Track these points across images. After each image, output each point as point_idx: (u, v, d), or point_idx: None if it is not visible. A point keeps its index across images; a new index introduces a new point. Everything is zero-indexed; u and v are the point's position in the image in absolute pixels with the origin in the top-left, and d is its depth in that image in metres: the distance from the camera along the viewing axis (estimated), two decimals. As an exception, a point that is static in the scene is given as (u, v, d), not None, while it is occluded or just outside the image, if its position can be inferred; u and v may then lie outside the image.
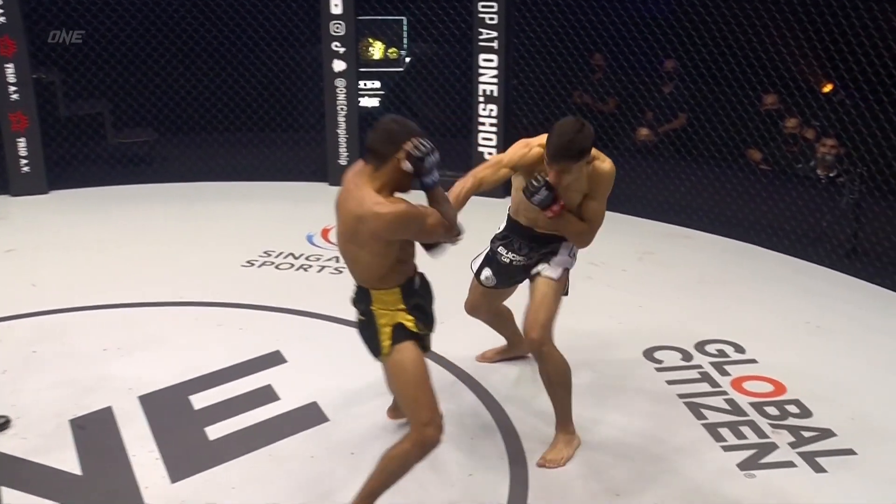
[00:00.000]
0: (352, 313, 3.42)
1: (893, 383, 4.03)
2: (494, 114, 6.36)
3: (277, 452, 3.52)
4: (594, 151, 3.34)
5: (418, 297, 3.00)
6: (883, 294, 4.95)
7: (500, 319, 4.04)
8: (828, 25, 5.08)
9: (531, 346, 3.50)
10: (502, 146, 6.42)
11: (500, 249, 3.69)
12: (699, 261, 5.45)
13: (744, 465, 3.45)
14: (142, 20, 6.90)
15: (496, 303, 3.92)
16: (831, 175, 5.51)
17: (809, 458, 3.48)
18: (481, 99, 6.36)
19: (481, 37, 6.22)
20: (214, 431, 3.64)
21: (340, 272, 5.34)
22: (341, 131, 6.78)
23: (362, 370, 4.15)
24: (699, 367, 4.20)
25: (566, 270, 3.57)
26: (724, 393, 3.97)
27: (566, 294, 3.63)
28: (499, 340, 4.18)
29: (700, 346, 4.38)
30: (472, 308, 3.92)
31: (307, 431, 3.66)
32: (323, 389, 3.96)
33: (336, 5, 6.52)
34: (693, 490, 3.30)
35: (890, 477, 3.37)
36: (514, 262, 3.66)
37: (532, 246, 3.61)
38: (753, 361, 4.23)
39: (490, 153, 6.47)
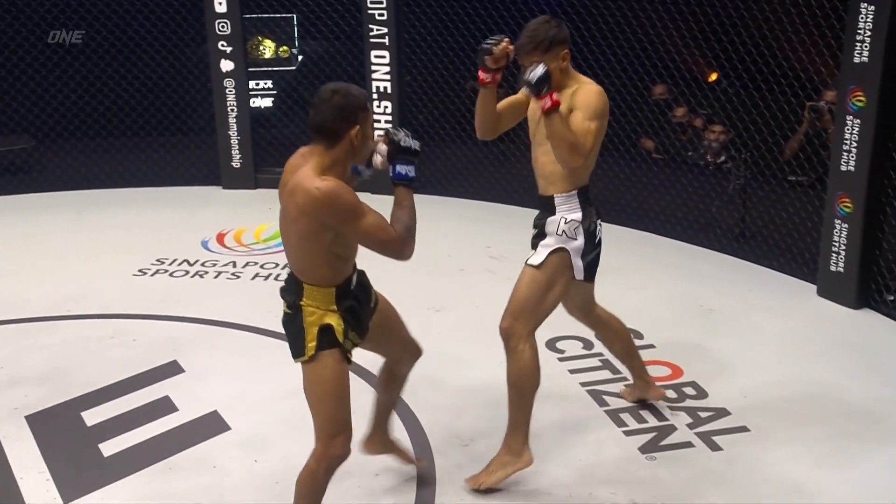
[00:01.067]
0: (261, 315, 3.41)
1: (782, 360, 4.22)
2: (389, 111, 6.35)
3: (177, 464, 3.43)
4: (582, 78, 3.17)
5: (353, 299, 2.75)
6: (770, 275, 5.17)
7: (600, 326, 3.69)
8: (707, 16, 5.27)
9: (500, 334, 3.25)
10: (398, 143, 6.41)
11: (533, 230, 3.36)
12: (602, 249, 5.57)
13: (645, 449, 3.54)
14: (10, 21, 6.61)
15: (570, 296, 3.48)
16: (719, 161, 5.72)
17: (706, 438, 3.61)
18: (375, 96, 6.35)
19: (372, 33, 6.20)
20: (109, 447, 3.52)
21: (237, 277, 5.25)
22: (233, 133, 6.65)
23: (263, 376, 4.10)
24: (600, 354, 4.30)
25: (554, 252, 3.21)
26: (625, 379, 4.06)
27: (589, 280, 3.34)
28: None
29: (600, 334, 4.49)
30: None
31: (208, 441, 3.58)
32: (223, 398, 3.88)
33: (220, 3, 6.39)
34: (595, 476, 3.38)
35: (780, 451, 3.52)
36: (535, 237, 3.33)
37: (539, 216, 3.28)
38: (651, 346, 4.36)
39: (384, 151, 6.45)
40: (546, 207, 3.25)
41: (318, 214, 2.55)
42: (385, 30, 6.17)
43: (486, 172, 6.53)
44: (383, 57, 6.26)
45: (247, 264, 5.43)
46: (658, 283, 5.10)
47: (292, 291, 2.74)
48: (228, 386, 4.00)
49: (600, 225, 3.30)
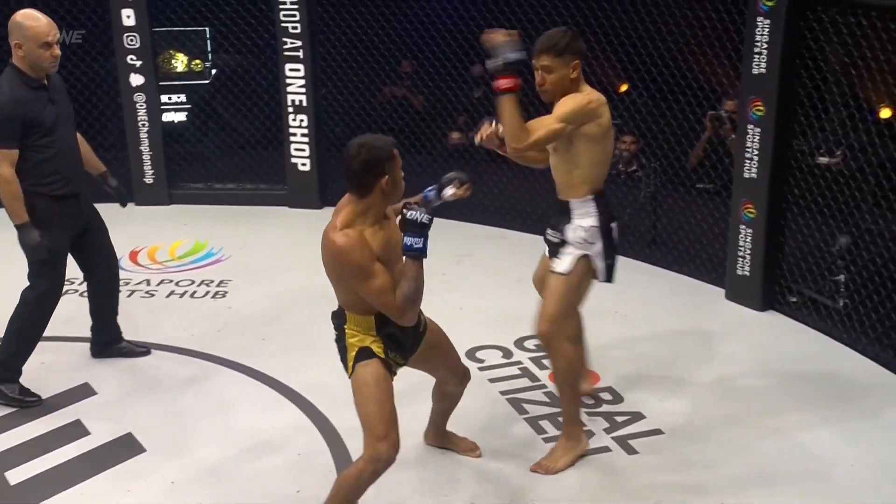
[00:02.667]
0: (176, 333, 3.38)
1: (693, 363, 4.35)
2: (305, 124, 6.34)
3: (90, 490, 3.36)
4: (588, 88, 3.30)
5: (394, 326, 2.94)
6: (681, 280, 5.33)
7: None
8: (616, 29, 5.42)
9: (539, 339, 3.52)
10: (315, 157, 6.42)
11: (548, 230, 3.58)
12: (516, 260, 5.63)
13: (564, 454, 3.62)
14: None
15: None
16: (630, 170, 5.88)
17: (623, 442, 3.71)
18: (290, 109, 6.32)
19: (286, 46, 6.18)
20: (17, 475, 3.43)
21: (152, 295, 5.16)
22: (145, 149, 6.53)
23: (179, 395, 4.04)
24: (519, 363, 4.37)
25: (580, 259, 3.41)
26: (544, 386, 4.15)
27: (609, 280, 3.52)
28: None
29: (519, 343, 4.55)
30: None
31: (122, 465, 3.51)
32: (138, 419, 3.81)
33: (128, 17, 6.28)
34: (516, 484, 3.43)
35: (689, 452, 3.64)
36: (550, 238, 3.54)
37: (555, 218, 3.49)
38: (570, 354, 4.45)
39: (303, 164, 6.44)
40: (562, 211, 3.46)
41: (334, 264, 2.83)
42: (299, 43, 6.16)
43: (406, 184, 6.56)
44: (298, 70, 6.24)
45: (161, 282, 5.34)
46: (575, 290, 5.21)
47: (338, 315, 3.03)
48: (143, 407, 3.93)
49: (615, 227, 3.48)
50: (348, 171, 2.80)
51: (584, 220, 3.40)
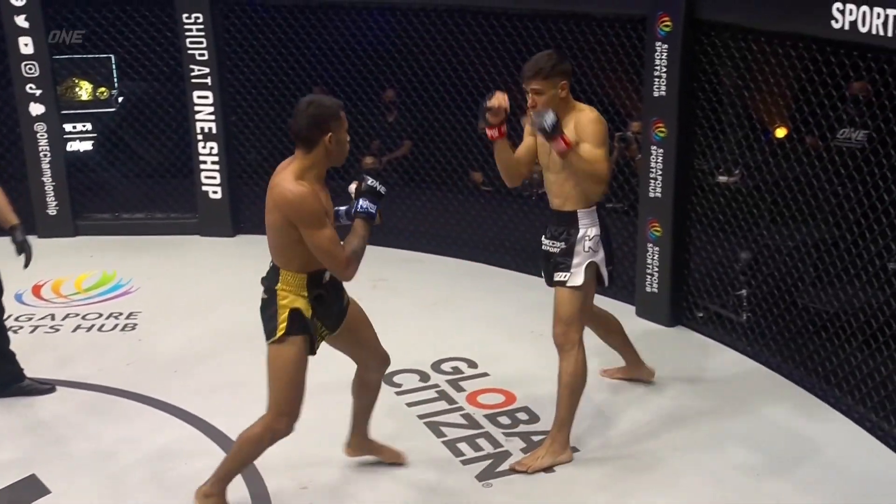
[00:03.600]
0: (83, 369, 3.29)
1: (605, 380, 4.44)
2: (215, 151, 6.27)
3: (-8, 538, 3.24)
4: (579, 104, 3.58)
5: (323, 289, 3.13)
6: (598, 300, 5.42)
7: (602, 327, 4.17)
8: (523, 54, 5.52)
9: (554, 341, 3.71)
10: (227, 185, 6.35)
11: (543, 239, 3.80)
12: (431, 283, 5.70)
13: (482, 476, 3.65)
14: None
15: None
16: (541, 191, 5.98)
17: (540, 460, 3.77)
18: (200, 137, 6.25)
19: (193, 73, 6.12)
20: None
21: (56, 330, 5.02)
22: (47, 179, 6.36)
23: (85, 434, 3.93)
24: (436, 386, 4.40)
25: (587, 268, 3.66)
26: (461, 409, 4.19)
27: (606, 285, 3.80)
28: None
29: (436, 366, 4.59)
30: None
31: (26, 509, 3.40)
32: (41, 459, 3.70)
33: (26, 45, 6.12)
34: (436, 507, 3.46)
35: (607, 468, 3.71)
36: (547, 249, 3.77)
37: (555, 228, 3.73)
38: (486, 375, 4.50)
39: (215, 192, 6.36)
40: (566, 221, 3.69)
41: (286, 212, 2.95)
42: (207, 70, 6.11)
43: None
44: (206, 97, 6.18)
45: (67, 316, 5.19)
46: (490, 312, 5.27)
47: (270, 278, 3.13)
48: (47, 446, 3.81)
49: (610, 238, 3.77)
50: (295, 125, 2.98)
51: (590, 230, 3.67)
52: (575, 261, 3.66)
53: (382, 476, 3.65)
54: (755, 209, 4.59)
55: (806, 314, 4.34)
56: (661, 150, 4.74)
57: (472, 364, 4.60)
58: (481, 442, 3.90)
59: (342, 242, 3.02)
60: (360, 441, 3.66)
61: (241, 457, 3.23)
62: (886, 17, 3.40)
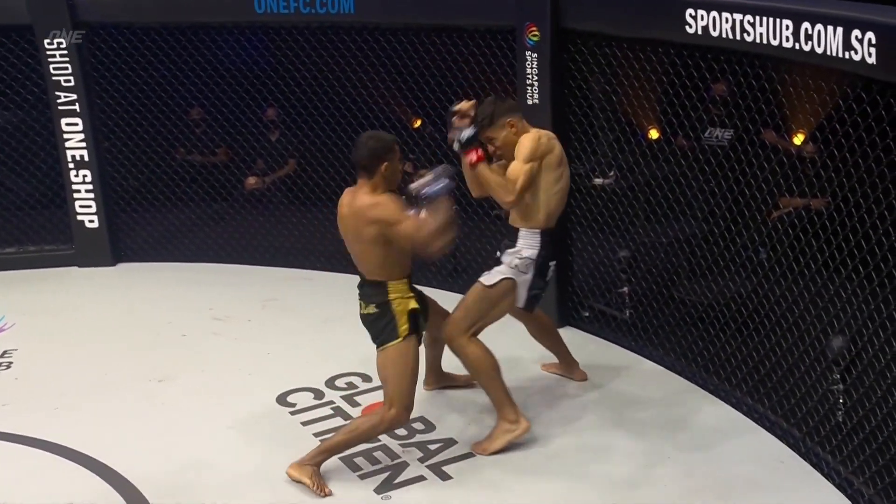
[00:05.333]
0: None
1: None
2: (89, 179, 6.11)
3: None
4: (532, 129, 3.87)
5: (417, 290, 3.74)
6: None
7: (535, 327, 4.34)
8: (407, 66, 5.63)
9: (444, 340, 3.95)
10: (103, 213, 6.19)
11: (499, 249, 4.04)
12: (321, 301, 5.70)
13: (380, 489, 3.71)
14: None
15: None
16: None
17: (437, 469, 3.84)
18: (72, 165, 6.08)
19: (60, 100, 5.95)
20: None
21: (-74, 377, 4.80)
22: None
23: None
24: (331, 402, 4.43)
25: (505, 280, 3.88)
26: (356, 423, 4.22)
27: (528, 309, 4.00)
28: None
29: (330, 383, 4.61)
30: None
31: None
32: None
33: None
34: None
35: (497, 473, 3.81)
36: (498, 256, 4.01)
37: (507, 242, 3.98)
38: (380, 388, 4.53)
39: (91, 221, 6.19)
40: (513, 237, 3.94)
41: (376, 217, 3.49)
42: (74, 96, 5.94)
43: (201, 234, 6.46)
44: (76, 124, 6.01)
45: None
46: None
47: (376, 294, 3.64)
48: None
49: (553, 266, 3.97)
50: (357, 155, 3.56)
51: (525, 251, 3.89)
52: (498, 268, 3.92)
53: (282, 495, 3.65)
54: (631, 208, 4.80)
55: (683, 307, 4.56)
56: (539, 157, 4.88)
57: (367, 378, 4.64)
58: (378, 455, 3.95)
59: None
60: (437, 376, 4.35)
61: (352, 439, 3.71)
62: (733, 21, 3.63)
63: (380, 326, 3.66)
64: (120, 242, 6.30)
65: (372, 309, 3.66)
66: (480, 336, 3.94)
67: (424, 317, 3.77)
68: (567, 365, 4.50)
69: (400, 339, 3.62)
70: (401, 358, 3.63)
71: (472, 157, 3.82)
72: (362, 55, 5.77)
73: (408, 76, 5.70)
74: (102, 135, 6.17)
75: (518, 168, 3.80)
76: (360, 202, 3.54)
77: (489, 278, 3.92)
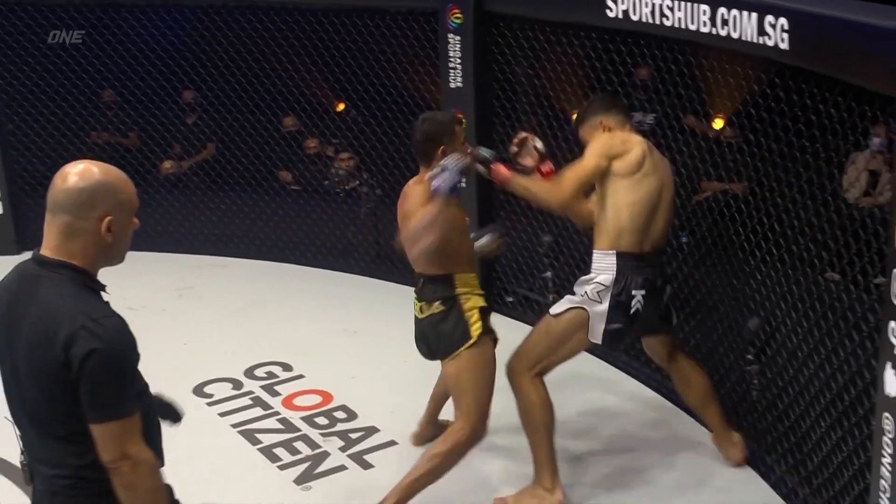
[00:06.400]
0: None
1: (420, 371, 4.53)
2: (-7, 162, 5.90)
3: None
4: (633, 135, 3.39)
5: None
6: (406, 290, 5.50)
7: (684, 384, 3.70)
8: (329, 49, 5.57)
9: (506, 375, 3.41)
10: (8, 199, 5.98)
11: None
12: (239, 288, 5.63)
13: (300, 480, 3.68)
14: None
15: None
16: (349, 187, 6.05)
17: (358, 458, 3.83)
18: (-28, 150, 5.86)
19: (-45, 82, 5.73)
20: None
21: None
22: None
23: None
24: (251, 392, 4.37)
25: (574, 310, 3.32)
26: (277, 413, 4.18)
27: (610, 347, 3.51)
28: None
29: (249, 372, 4.55)
30: None
31: None
32: None
33: None
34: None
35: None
36: None
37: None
38: (301, 377, 4.51)
39: (-6, 207, 5.98)
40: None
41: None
42: (-25, 78, 5.73)
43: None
44: (-25, 106, 5.80)
45: None
46: (304, 312, 5.28)
47: (439, 289, 3.17)
48: None
49: (640, 299, 3.29)
50: (413, 140, 3.24)
51: (600, 275, 3.32)
52: (569, 296, 3.40)
53: (196, 486, 3.58)
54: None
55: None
56: (462, 141, 4.89)
57: (287, 367, 4.60)
58: (299, 445, 3.92)
59: None
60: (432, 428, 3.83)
61: (436, 472, 3.23)
62: (653, 5, 3.68)
63: (447, 329, 3.16)
64: (25, 230, 6.09)
65: (437, 308, 3.16)
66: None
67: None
68: (719, 437, 3.67)
69: (474, 341, 3.14)
70: (477, 363, 3.15)
71: (499, 174, 3.36)
72: (282, 37, 5.69)
73: (329, 58, 5.64)
74: (6, 117, 5.95)
75: (567, 176, 3.32)
76: (411, 191, 3.19)
77: (557, 307, 3.40)
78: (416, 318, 3.29)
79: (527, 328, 4.88)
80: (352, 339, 4.95)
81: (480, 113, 4.83)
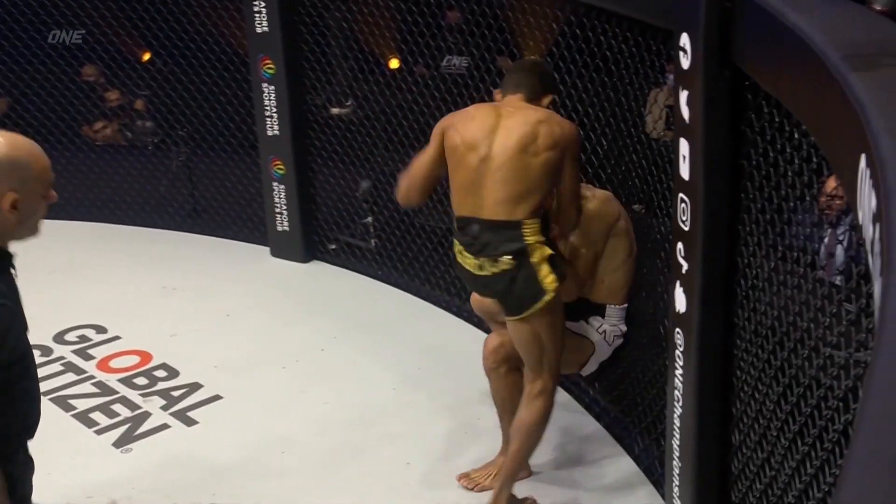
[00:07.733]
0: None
1: (245, 324, 4.53)
2: None
3: None
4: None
5: None
6: (226, 244, 5.44)
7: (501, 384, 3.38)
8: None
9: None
10: None
11: None
12: (46, 250, 5.27)
13: (119, 443, 3.60)
14: None
15: None
16: (156, 140, 5.82)
17: (181, 416, 3.78)
18: None
19: None
20: None
21: None
22: None
23: None
24: (62, 358, 4.21)
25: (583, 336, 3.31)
26: (92, 377, 4.06)
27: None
28: None
29: (59, 337, 4.38)
30: None
31: None
32: None
33: None
34: (75, 487, 3.32)
35: (249, 408, 3.84)
36: None
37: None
38: (118, 338, 4.38)
39: None
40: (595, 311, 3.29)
41: (567, 145, 2.76)
42: None
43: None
44: None
45: None
46: (120, 272, 5.08)
47: (508, 240, 2.74)
48: None
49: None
50: (526, 71, 2.94)
51: (621, 324, 3.32)
52: (593, 316, 3.32)
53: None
54: (369, 138, 4.87)
55: (423, 233, 4.72)
56: (273, 87, 4.81)
57: (101, 329, 4.45)
58: (117, 408, 3.83)
59: None
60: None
61: (535, 441, 3.02)
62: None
63: (520, 286, 2.76)
64: None
65: (506, 263, 2.75)
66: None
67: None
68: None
69: (551, 294, 2.77)
70: (555, 317, 2.85)
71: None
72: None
73: (139, 4, 5.37)
74: None
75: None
76: (559, 119, 2.90)
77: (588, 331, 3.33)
78: (469, 272, 2.86)
79: (352, 274, 5.01)
80: (170, 297, 4.83)
81: (290, 59, 4.76)
